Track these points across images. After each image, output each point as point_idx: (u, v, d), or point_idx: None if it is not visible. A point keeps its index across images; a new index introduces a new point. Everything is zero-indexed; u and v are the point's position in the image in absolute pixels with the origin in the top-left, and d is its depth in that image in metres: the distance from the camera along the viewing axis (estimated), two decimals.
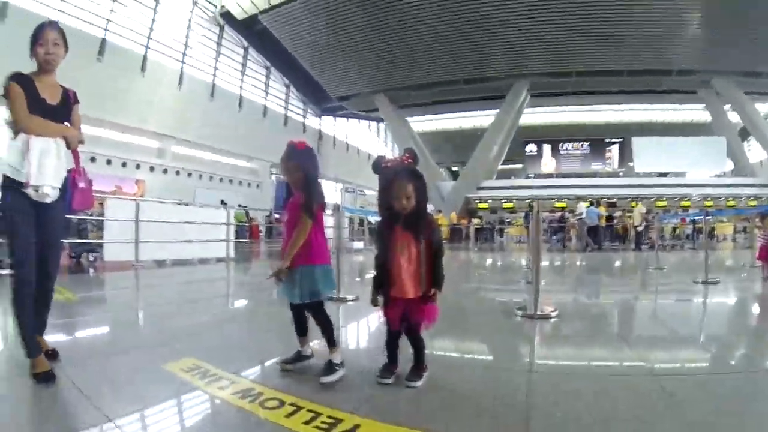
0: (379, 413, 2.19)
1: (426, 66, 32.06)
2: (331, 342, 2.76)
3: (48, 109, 2.59)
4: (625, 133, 39.63)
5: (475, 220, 26.54)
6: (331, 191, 39.25)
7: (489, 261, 14.04)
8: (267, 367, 3.01)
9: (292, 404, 2.27)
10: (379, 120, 43.75)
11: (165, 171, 25.77)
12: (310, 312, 2.82)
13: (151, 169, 25.12)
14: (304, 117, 40.23)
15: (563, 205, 30.69)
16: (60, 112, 2.66)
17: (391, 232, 2.54)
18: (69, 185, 2.70)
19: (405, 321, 2.57)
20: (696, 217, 22.26)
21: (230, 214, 11.48)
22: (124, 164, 23.57)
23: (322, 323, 2.79)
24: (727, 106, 33.79)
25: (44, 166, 2.49)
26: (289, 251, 2.66)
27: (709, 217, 10.67)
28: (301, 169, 2.71)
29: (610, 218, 21.68)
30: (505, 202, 33.45)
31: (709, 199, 31.36)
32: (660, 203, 31.02)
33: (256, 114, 33.56)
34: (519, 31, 28.06)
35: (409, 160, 2.53)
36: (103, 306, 5.51)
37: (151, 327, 4.17)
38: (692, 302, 6.14)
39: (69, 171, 2.70)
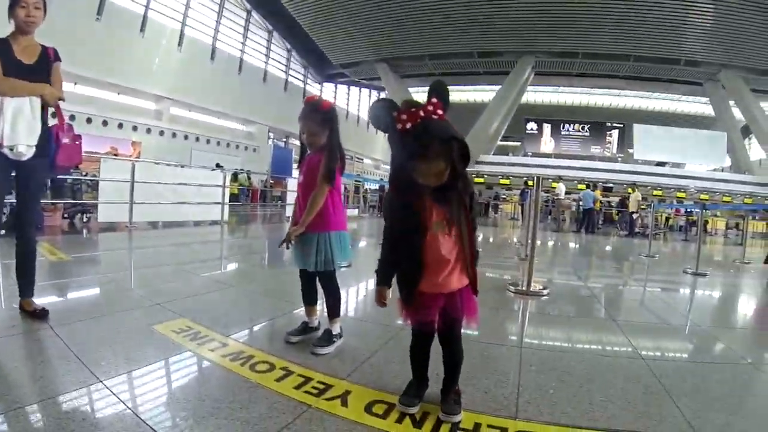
0: (371, 380, 2.20)
1: (431, 36, 31.76)
2: (334, 312, 2.67)
3: (23, 69, 2.61)
4: (627, 119, 39.60)
5: None
6: None
7: (481, 236, 14.06)
8: (259, 330, 3.01)
9: (283, 368, 2.28)
10: (380, 89, 43.38)
11: (161, 133, 25.33)
12: (321, 280, 2.69)
13: (148, 131, 24.66)
14: (305, 83, 39.72)
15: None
16: (37, 71, 2.66)
17: (420, 203, 1.77)
18: (53, 141, 2.73)
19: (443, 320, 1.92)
20: (690, 209, 22.41)
21: (226, 177, 11.36)
22: (120, 125, 23.11)
23: (331, 293, 2.68)
24: (731, 102, 33.60)
25: (17, 125, 2.54)
26: (305, 216, 2.51)
27: (706, 210, 10.71)
28: (325, 129, 2.54)
29: (622, 203, 21.68)
30: (501, 178, 33.43)
31: (705, 192, 31.44)
32: (656, 192, 31.02)
33: (256, 78, 33.05)
34: (528, 6, 27.73)
35: (438, 112, 1.63)
36: (95, 266, 5.41)
37: (143, 288, 4.05)
38: (680, 292, 6.16)
39: (51, 127, 2.72)
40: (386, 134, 1.70)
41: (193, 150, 26.51)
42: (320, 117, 2.53)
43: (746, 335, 4.00)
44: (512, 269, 6.77)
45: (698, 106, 41.43)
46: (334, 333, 2.62)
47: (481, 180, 32.70)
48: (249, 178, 23.15)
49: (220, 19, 29.45)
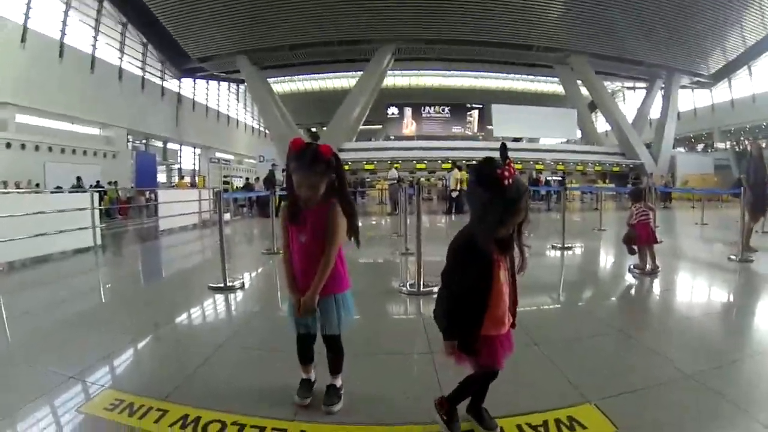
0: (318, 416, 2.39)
1: (290, 26, 31.61)
2: (339, 368, 2.60)
3: None
4: (486, 99, 42.31)
5: None
6: (191, 157, 39.62)
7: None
8: (194, 384, 2.78)
9: (234, 423, 2.26)
10: (239, 81, 42.67)
11: (8, 145, 22.45)
12: (328, 340, 2.53)
13: None
14: (163, 79, 37.70)
15: (423, 166, 32.29)
16: None
17: (494, 256, 1.97)
18: None
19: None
20: (552, 183, 24.43)
21: (94, 199, 9.43)
22: None
23: (338, 351, 2.57)
24: (579, 82, 37.71)
25: None
26: (318, 282, 2.31)
27: (566, 190, 11.86)
28: (328, 178, 2.31)
29: None
30: (366, 164, 34.34)
31: (560, 163, 34.65)
32: (517, 166, 33.47)
33: (111, 76, 30.58)
34: None
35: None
36: None
37: (43, 354, 3.34)
38: (552, 267, 7.12)
39: None
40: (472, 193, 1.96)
41: (47, 163, 23.68)
42: (323, 168, 2.28)
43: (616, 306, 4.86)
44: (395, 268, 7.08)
45: (551, 85, 45.65)
46: (338, 386, 2.60)
47: (347, 167, 33.26)
48: (117, 191, 21.61)
49: (69, 11, 26.54)
